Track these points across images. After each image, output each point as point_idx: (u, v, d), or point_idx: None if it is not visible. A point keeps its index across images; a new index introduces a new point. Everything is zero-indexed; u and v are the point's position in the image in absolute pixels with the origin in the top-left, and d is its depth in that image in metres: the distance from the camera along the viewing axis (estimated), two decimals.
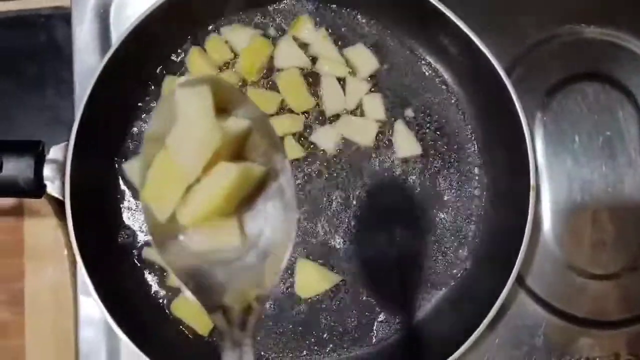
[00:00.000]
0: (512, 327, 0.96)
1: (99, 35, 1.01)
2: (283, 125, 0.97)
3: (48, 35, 1.06)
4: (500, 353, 0.96)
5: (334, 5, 1.00)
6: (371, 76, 1.00)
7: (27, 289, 0.98)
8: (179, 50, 0.99)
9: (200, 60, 0.98)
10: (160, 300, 0.95)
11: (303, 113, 0.98)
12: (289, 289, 0.96)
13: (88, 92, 0.88)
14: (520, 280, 0.97)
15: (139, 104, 0.98)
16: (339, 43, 1.00)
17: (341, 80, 0.99)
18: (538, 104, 1.01)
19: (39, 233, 0.99)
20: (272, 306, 0.95)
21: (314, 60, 0.99)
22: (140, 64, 0.95)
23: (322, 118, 0.99)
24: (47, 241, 0.98)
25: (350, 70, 0.99)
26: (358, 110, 0.99)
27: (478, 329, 0.87)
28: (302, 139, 0.98)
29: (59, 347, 0.97)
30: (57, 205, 0.98)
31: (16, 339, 0.97)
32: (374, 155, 0.98)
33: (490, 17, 1.00)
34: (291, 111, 0.98)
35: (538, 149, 1.00)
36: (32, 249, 0.99)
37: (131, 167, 0.97)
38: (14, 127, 1.04)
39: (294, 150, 0.97)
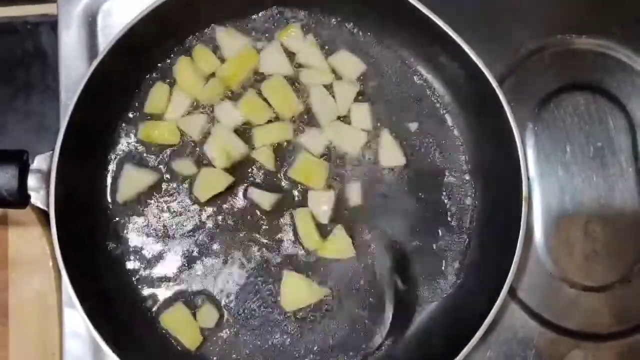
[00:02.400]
0: (504, 340, 0.96)
1: (86, 42, 1.01)
2: (270, 133, 0.97)
3: (34, 43, 1.07)
4: None
5: (324, 15, 1.00)
6: (359, 79, 0.99)
7: (12, 300, 0.97)
8: (166, 59, 0.99)
9: (188, 69, 0.97)
10: (149, 313, 0.94)
11: (293, 120, 0.98)
12: (276, 302, 0.95)
13: (74, 101, 0.87)
14: (512, 293, 0.97)
15: (126, 112, 0.98)
16: (327, 52, 1.00)
17: (330, 87, 0.99)
18: (529, 114, 1.02)
19: (24, 243, 0.98)
20: (259, 320, 0.95)
21: (300, 69, 0.99)
22: (127, 72, 0.95)
23: (315, 125, 0.99)
24: (32, 251, 0.98)
25: (337, 76, 0.99)
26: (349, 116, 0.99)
27: (470, 342, 0.86)
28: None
29: (43, 357, 0.96)
30: (43, 214, 0.98)
31: (0, 350, 0.96)
32: (359, 163, 0.98)
33: (481, 28, 1.00)
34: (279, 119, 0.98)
35: (529, 159, 1.00)
36: (16, 259, 0.98)
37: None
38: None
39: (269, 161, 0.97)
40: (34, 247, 0.98)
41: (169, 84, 0.98)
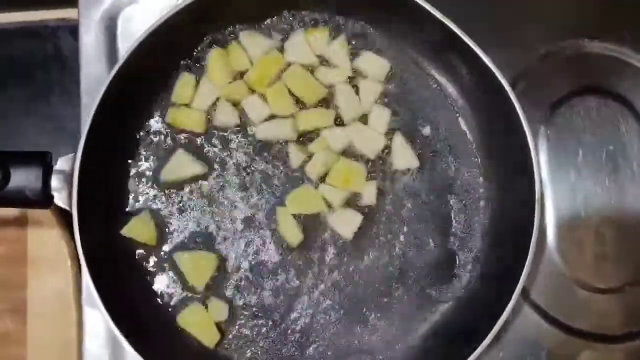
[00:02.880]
0: (517, 341, 0.97)
1: (106, 46, 1.02)
2: (308, 120, 0.98)
3: (54, 47, 1.08)
4: None
5: (341, 19, 1.01)
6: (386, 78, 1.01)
7: (30, 299, 0.98)
8: (188, 60, 1.00)
9: (219, 61, 0.98)
10: (168, 311, 0.95)
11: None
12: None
13: (96, 103, 0.88)
14: (524, 294, 0.98)
15: (147, 114, 0.99)
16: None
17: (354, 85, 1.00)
18: (541, 118, 1.02)
19: (43, 243, 0.99)
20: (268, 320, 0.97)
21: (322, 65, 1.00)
22: (148, 75, 0.96)
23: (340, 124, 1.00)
24: (51, 251, 0.99)
25: (362, 75, 1.00)
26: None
27: (483, 343, 0.87)
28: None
29: (60, 355, 0.97)
30: (62, 215, 0.99)
31: (17, 348, 0.97)
32: (374, 164, 0.99)
33: (494, 32, 1.01)
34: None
35: (541, 162, 1.01)
36: (35, 259, 0.99)
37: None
38: (20, 136, 1.05)
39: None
40: (53, 247, 0.99)
41: (196, 79, 0.99)
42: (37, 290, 0.98)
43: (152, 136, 0.98)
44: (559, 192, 1.01)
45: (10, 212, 1.00)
